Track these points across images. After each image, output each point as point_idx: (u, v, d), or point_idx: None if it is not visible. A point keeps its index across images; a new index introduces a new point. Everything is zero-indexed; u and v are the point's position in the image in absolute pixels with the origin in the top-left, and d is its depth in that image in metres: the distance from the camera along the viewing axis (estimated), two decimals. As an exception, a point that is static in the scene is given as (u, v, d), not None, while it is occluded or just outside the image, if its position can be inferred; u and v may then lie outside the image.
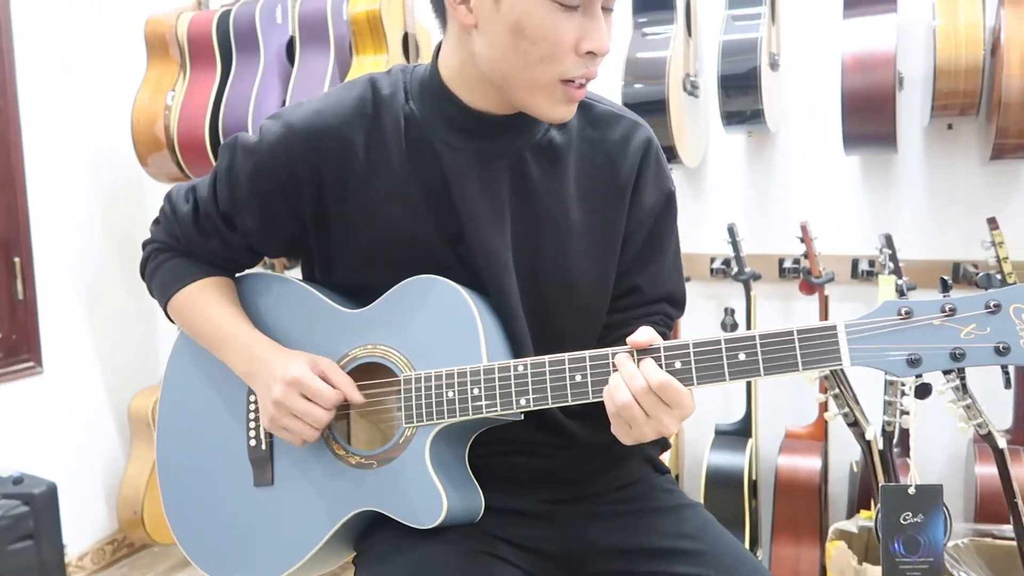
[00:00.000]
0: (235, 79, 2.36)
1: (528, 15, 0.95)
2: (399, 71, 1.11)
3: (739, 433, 2.18)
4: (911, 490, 1.14)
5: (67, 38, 2.55)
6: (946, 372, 1.55)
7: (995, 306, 0.86)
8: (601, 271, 1.11)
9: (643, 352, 0.95)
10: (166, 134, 2.40)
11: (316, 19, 2.27)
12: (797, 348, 0.89)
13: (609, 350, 0.96)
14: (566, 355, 0.98)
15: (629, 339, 0.95)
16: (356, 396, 1.07)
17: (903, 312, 0.87)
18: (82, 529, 2.58)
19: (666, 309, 1.16)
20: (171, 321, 1.22)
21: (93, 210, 2.67)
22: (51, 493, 2.19)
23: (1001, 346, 0.85)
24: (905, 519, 1.16)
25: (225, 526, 1.15)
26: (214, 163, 2.33)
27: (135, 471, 2.55)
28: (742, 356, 0.91)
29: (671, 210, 1.15)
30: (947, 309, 0.87)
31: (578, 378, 0.97)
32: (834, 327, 0.89)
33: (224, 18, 2.37)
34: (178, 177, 2.46)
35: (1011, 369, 1.97)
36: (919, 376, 0.90)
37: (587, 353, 0.97)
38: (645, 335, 0.95)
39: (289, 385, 1.05)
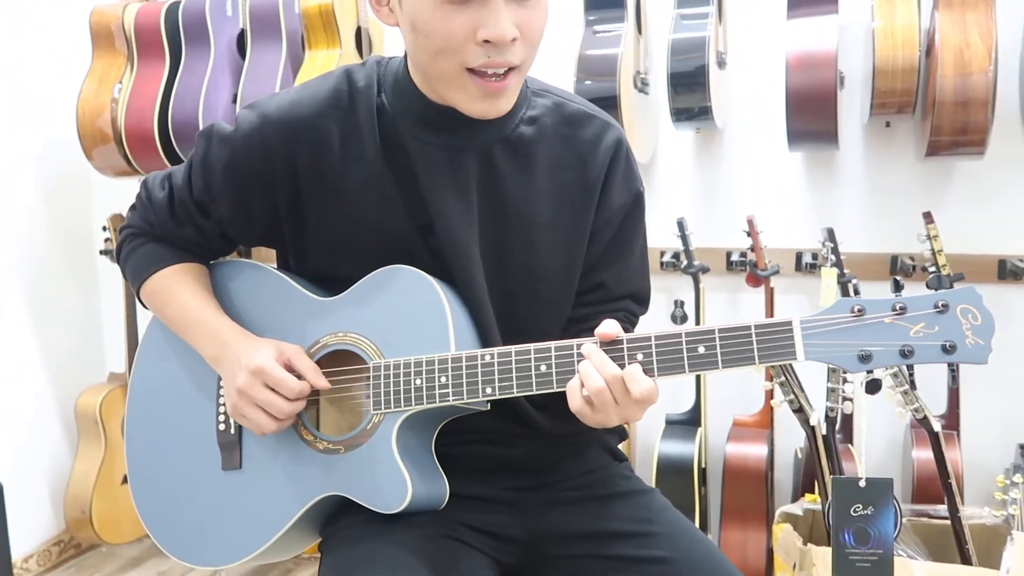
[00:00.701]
0: (184, 72, 2.33)
1: (418, 11, 0.98)
2: (374, 63, 1.13)
3: (689, 423, 2.23)
4: (862, 483, 1.19)
5: (10, 27, 2.49)
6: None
7: (943, 306, 0.90)
8: (567, 265, 1.14)
9: (607, 345, 0.98)
10: (113, 127, 2.36)
11: (267, 12, 2.25)
12: (754, 342, 0.93)
13: (575, 341, 0.99)
14: (532, 345, 1.01)
15: (597, 331, 0.98)
16: (321, 382, 1.08)
17: (856, 310, 0.92)
18: (26, 530, 2.52)
19: (630, 306, 1.19)
20: (144, 306, 1.22)
21: (36, 203, 2.61)
22: (-4, 493, 2.14)
23: (948, 344, 0.90)
24: (855, 511, 1.20)
25: (193, 509, 1.16)
26: (163, 157, 2.34)
27: (83, 470, 2.50)
28: (701, 349, 0.95)
29: (639, 210, 1.18)
30: (898, 308, 0.91)
31: (543, 368, 0.99)
32: (790, 323, 0.93)
33: (172, 10, 2.34)
34: (125, 171, 2.42)
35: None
36: (870, 372, 0.94)
37: (552, 344, 1.00)
38: (611, 327, 0.98)
39: (253, 374, 1.06)
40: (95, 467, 2.48)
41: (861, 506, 1.21)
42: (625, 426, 1.31)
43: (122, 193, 2.67)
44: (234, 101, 2.28)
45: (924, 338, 0.90)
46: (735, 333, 0.94)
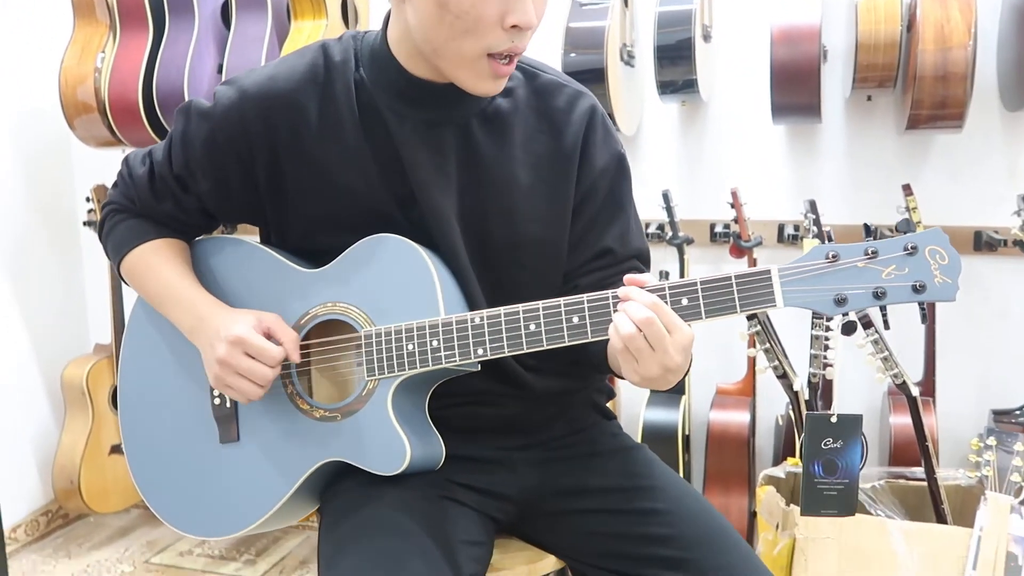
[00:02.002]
0: (168, 42, 2.31)
1: None
2: (350, 38, 1.14)
3: (673, 391, 2.27)
4: (833, 419, 1.24)
5: (-12, -5, 2.46)
6: (867, 326, 1.67)
7: (912, 248, 0.94)
8: (549, 233, 1.16)
9: (596, 300, 1.00)
10: (96, 97, 2.34)
11: (253, -19, 2.24)
12: (735, 292, 0.96)
13: (561, 300, 1.02)
14: (520, 306, 1.03)
15: (626, 278, 0.99)
16: (296, 355, 1.10)
17: (830, 256, 0.95)
18: (14, 501, 2.53)
19: (637, 266, 1.22)
20: (124, 282, 1.23)
21: (16, 173, 2.59)
22: (-15, 463, 2.14)
23: (918, 284, 0.94)
24: (826, 444, 1.26)
25: (193, 483, 1.17)
26: (148, 127, 2.33)
27: (70, 440, 2.50)
28: (685, 301, 0.97)
29: (624, 171, 1.21)
30: (870, 252, 0.95)
31: (532, 327, 1.02)
32: (768, 271, 0.96)
33: (156, -21, 2.31)
34: (109, 141, 2.41)
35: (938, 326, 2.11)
36: (845, 315, 0.98)
37: (540, 304, 1.02)
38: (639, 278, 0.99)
39: (233, 344, 1.07)
40: (83, 438, 2.49)
41: (831, 439, 1.26)
42: (611, 386, 1.34)
43: (104, 164, 2.66)
44: (219, 72, 2.27)
45: (895, 279, 0.94)
46: (716, 284, 0.97)
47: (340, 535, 1.07)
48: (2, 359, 2.54)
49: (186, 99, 2.24)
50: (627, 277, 0.99)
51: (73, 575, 2.42)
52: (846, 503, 1.37)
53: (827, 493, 1.30)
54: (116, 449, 2.55)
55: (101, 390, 2.53)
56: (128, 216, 1.22)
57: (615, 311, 0.97)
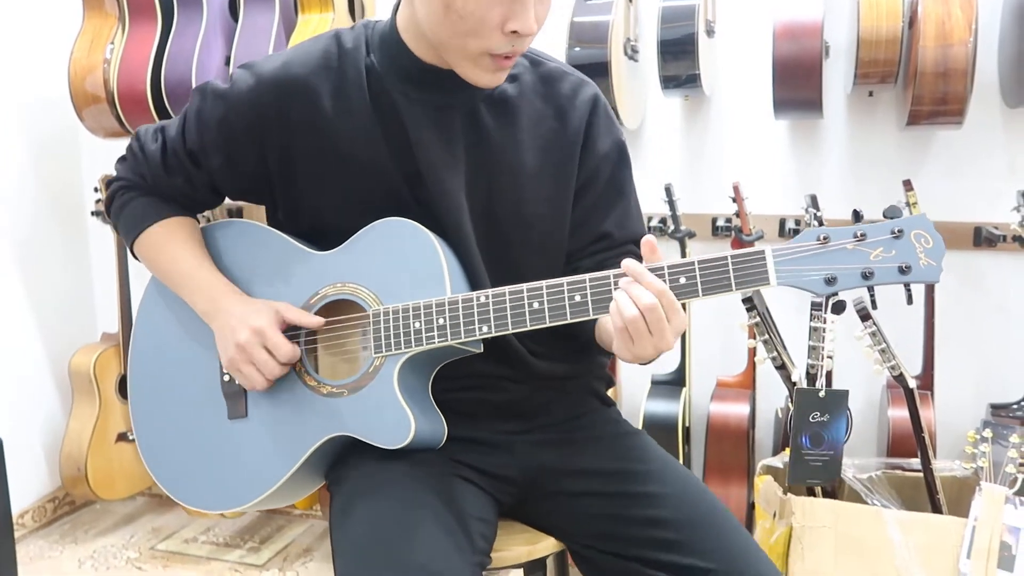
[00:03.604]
0: (176, 34, 2.34)
1: None
2: (362, 26, 1.18)
3: (674, 383, 2.30)
4: (821, 393, 1.28)
5: (-2, -13, 2.48)
6: (865, 318, 1.68)
7: (899, 232, 0.98)
8: (553, 214, 1.19)
9: (597, 279, 1.02)
10: (105, 88, 2.36)
11: (261, -26, 2.26)
12: (731, 270, 0.99)
13: (564, 279, 1.04)
14: (524, 285, 1.06)
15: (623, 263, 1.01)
16: (314, 321, 1.14)
17: (822, 238, 0.99)
18: (22, 487, 2.56)
19: (634, 250, 1.24)
20: (136, 259, 1.26)
21: (25, 163, 2.62)
22: (-5, 448, 2.17)
23: (904, 266, 0.97)
24: (813, 417, 1.30)
25: (200, 457, 1.20)
26: (156, 118, 2.35)
27: (77, 428, 2.53)
28: (683, 280, 1.00)
29: (624, 158, 1.24)
30: (859, 235, 0.98)
31: (535, 305, 1.05)
32: (762, 251, 0.99)
33: (164, -28, 2.34)
34: (117, 131, 2.43)
35: (927, 311, 2.13)
36: (835, 294, 1.02)
37: (543, 283, 1.05)
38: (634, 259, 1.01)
39: (255, 333, 1.12)
40: (89, 425, 2.51)
41: (819, 413, 1.30)
42: (611, 375, 1.37)
43: (112, 154, 2.67)
44: (227, 63, 2.30)
45: (882, 261, 0.97)
46: (713, 263, 1.00)
47: (349, 500, 1.10)
48: (11, 347, 2.57)
49: (194, 90, 2.27)
50: (625, 262, 1.01)
51: (80, 560, 2.45)
52: (830, 472, 1.42)
53: (813, 464, 1.35)
54: (123, 437, 2.58)
55: (108, 378, 2.56)
56: (139, 194, 1.25)
57: (616, 288, 1.00)
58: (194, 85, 2.27)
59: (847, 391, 1.29)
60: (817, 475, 1.38)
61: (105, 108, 2.38)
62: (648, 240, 1.02)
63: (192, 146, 1.19)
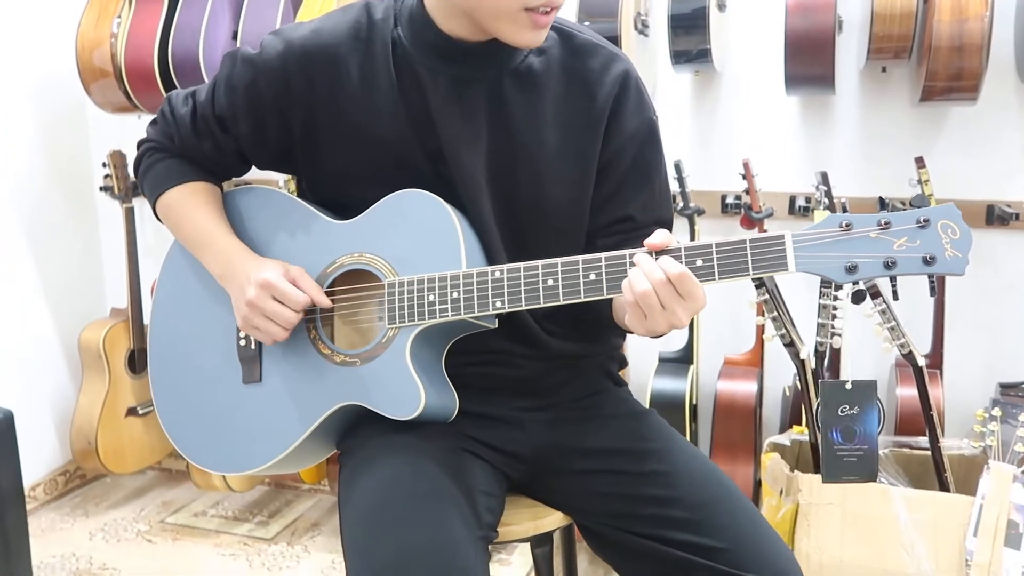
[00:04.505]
0: (184, 8, 2.32)
1: None
2: None
3: (681, 360, 2.30)
4: (848, 385, 1.26)
5: (5, -40, 2.47)
6: (875, 295, 1.68)
7: (925, 221, 0.95)
8: (574, 195, 1.17)
9: (613, 259, 1.01)
10: (112, 62, 2.36)
11: (268, -53, 2.24)
12: (749, 255, 0.98)
13: (580, 257, 1.04)
14: (539, 261, 1.05)
15: (646, 241, 1.00)
16: (323, 300, 1.14)
17: (844, 225, 0.96)
18: (33, 460, 2.58)
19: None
20: (159, 219, 1.27)
21: (33, 138, 2.62)
22: (8, 421, 2.18)
23: (928, 257, 0.95)
24: (842, 411, 1.27)
25: (214, 420, 1.21)
26: (163, 92, 2.34)
27: (87, 402, 2.55)
28: (699, 262, 0.99)
29: (655, 138, 1.21)
30: (883, 223, 0.95)
31: (549, 282, 1.04)
32: (782, 236, 0.97)
33: (171, -56, 2.32)
34: (125, 106, 2.43)
35: (946, 300, 2.12)
36: (855, 284, 0.99)
37: (559, 260, 1.04)
38: (660, 237, 1.00)
39: (262, 287, 1.12)
40: (99, 400, 2.53)
41: (847, 406, 1.27)
42: (624, 356, 1.37)
43: (120, 129, 2.68)
44: (234, 37, 2.28)
45: (906, 251, 0.95)
46: (731, 246, 0.98)
47: (358, 467, 1.11)
48: (21, 322, 2.59)
49: (201, 65, 2.26)
50: (648, 240, 1.00)
51: (90, 533, 2.47)
52: (867, 468, 1.37)
53: (847, 459, 1.30)
54: (132, 411, 2.59)
55: (117, 354, 2.57)
56: (167, 155, 1.26)
57: (631, 266, 0.99)
58: (201, 59, 2.26)
59: (874, 382, 1.25)
60: (853, 471, 1.33)
61: (113, 83, 2.37)
62: (650, 243, 0.99)
63: (221, 111, 1.19)
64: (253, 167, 1.28)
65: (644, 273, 0.97)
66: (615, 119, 1.17)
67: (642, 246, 1.01)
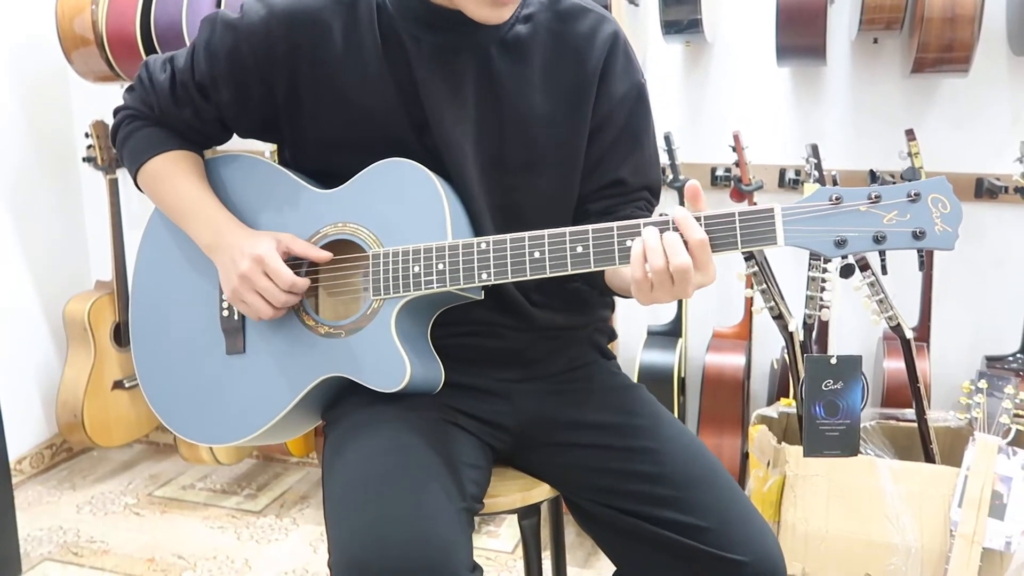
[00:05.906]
0: (166, -26, 2.28)
1: None
2: None
3: (670, 334, 2.30)
4: (833, 360, 1.25)
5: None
6: (864, 268, 1.67)
7: (915, 195, 0.94)
8: (565, 158, 1.16)
9: (600, 231, 1.00)
10: (94, 30, 2.31)
11: (252, -88, 2.20)
12: (738, 228, 0.96)
13: (567, 229, 1.02)
14: (526, 233, 1.04)
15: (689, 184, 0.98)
16: (321, 255, 1.12)
17: (834, 198, 0.95)
18: (19, 434, 2.57)
19: (647, 196, 1.22)
20: (139, 190, 1.24)
21: (12, 106, 2.57)
22: (-11, 395, 2.17)
23: (918, 231, 0.94)
24: (826, 386, 1.27)
25: (198, 391, 1.20)
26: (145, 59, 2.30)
27: (73, 375, 2.53)
28: None
29: (643, 101, 1.20)
30: (873, 197, 0.94)
31: (536, 255, 1.03)
32: (771, 209, 0.96)
33: (153, -92, 2.27)
34: (107, 75, 2.39)
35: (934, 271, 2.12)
36: (844, 258, 0.98)
37: (545, 232, 1.03)
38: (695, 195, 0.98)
39: (255, 261, 1.10)
40: (85, 373, 2.51)
41: (832, 381, 1.27)
42: (613, 328, 1.36)
43: (102, 99, 2.64)
44: (218, 5, 2.24)
45: (896, 225, 0.94)
46: (720, 219, 0.97)
47: (342, 439, 1.10)
48: (4, 295, 2.56)
49: (184, 33, 2.22)
50: (689, 184, 0.96)
51: (78, 506, 2.47)
52: (848, 443, 1.37)
53: (829, 434, 1.30)
54: (118, 385, 2.58)
55: (103, 326, 2.55)
56: (146, 123, 1.22)
57: (623, 242, 0.98)
58: (184, 28, 2.22)
59: (859, 357, 1.25)
60: (834, 446, 1.33)
61: (94, 51, 2.33)
62: (692, 185, 0.98)
63: (201, 78, 1.16)
64: (235, 136, 1.26)
65: (665, 248, 0.94)
66: (604, 83, 1.15)
67: (632, 212, 0.99)
